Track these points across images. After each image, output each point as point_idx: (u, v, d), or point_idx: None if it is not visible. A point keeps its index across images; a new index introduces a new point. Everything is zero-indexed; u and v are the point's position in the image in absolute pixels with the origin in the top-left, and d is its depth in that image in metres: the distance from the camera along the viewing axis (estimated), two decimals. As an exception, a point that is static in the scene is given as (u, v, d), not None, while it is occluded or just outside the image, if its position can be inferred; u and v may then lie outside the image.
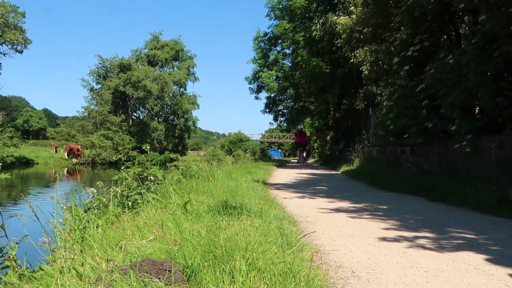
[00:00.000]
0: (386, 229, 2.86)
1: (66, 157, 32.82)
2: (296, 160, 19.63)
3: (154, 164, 4.71)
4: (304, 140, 16.22)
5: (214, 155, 14.08)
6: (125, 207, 3.09)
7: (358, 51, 10.97)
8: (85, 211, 2.87)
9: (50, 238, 2.25)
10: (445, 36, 7.14)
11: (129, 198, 3.37)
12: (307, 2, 16.52)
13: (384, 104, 9.37)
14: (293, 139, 23.99)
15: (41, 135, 67.35)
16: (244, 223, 2.30)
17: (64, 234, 2.28)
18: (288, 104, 28.31)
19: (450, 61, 5.35)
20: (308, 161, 20.29)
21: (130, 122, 43.37)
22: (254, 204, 3.10)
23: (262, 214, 2.75)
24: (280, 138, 55.03)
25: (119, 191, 3.30)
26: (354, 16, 9.23)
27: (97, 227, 2.48)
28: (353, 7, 9.48)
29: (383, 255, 2.10)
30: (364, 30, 8.88)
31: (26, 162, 28.81)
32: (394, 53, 7.42)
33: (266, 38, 26.92)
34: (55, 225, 2.37)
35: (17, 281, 1.78)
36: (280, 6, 22.33)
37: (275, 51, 27.44)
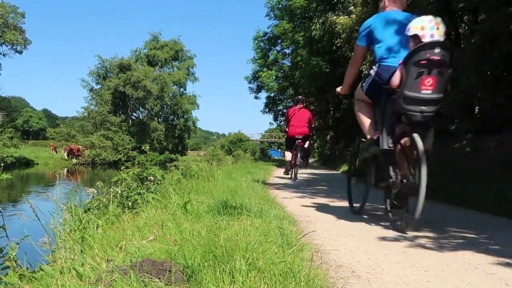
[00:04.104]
0: (386, 228, 2.86)
1: (66, 157, 32.84)
2: None
3: (154, 164, 4.72)
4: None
5: (214, 155, 14.10)
6: (125, 208, 3.10)
7: (358, 51, 10.95)
8: (85, 212, 2.87)
9: (50, 239, 2.25)
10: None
11: (129, 199, 3.37)
12: (306, 2, 16.53)
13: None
14: None
15: (41, 136, 67.42)
16: (244, 223, 2.30)
17: (64, 235, 2.29)
18: (288, 104, 28.34)
19: (450, 61, 5.35)
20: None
21: (130, 122, 43.40)
22: (254, 204, 3.10)
23: (262, 214, 2.75)
24: (280, 138, 55.00)
25: (119, 192, 3.30)
26: (353, 16, 9.24)
27: (97, 227, 2.49)
28: (352, 7, 9.49)
29: (383, 255, 2.10)
30: (363, 30, 8.87)
31: (26, 163, 28.85)
32: (393, 53, 7.41)
33: (265, 38, 27.00)
34: (55, 225, 2.37)
35: (18, 281, 1.78)
36: (280, 6, 22.36)
37: (275, 51, 27.51)
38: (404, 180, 2.70)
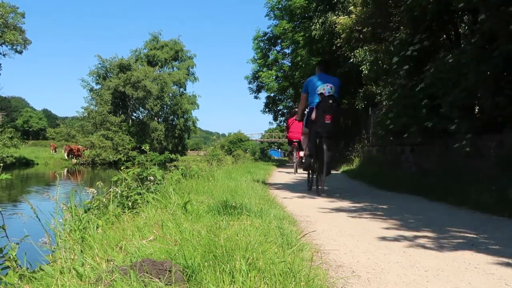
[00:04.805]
0: (386, 228, 2.86)
1: (66, 157, 32.84)
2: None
3: (154, 164, 4.72)
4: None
5: (214, 155, 14.11)
6: (125, 207, 3.10)
7: (357, 50, 10.96)
8: (85, 212, 2.87)
9: (50, 239, 2.25)
10: (444, 36, 7.14)
11: (129, 199, 3.37)
12: (306, 2, 16.48)
13: (384, 103, 9.36)
14: None
15: (41, 136, 67.44)
16: (244, 223, 2.30)
17: (64, 234, 2.29)
18: (288, 104, 28.30)
19: (450, 61, 5.35)
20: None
21: (130, 122, 43.40)
22: (254, 204, 3.10)
23: (262, 214, 2.75)
24: (280, 138, 54.97)
25: (119, 192, 3.30)
26: (353, 15, 9.22)
27: (97, 227, 2.49)
28: (352, 7, 9.48)
29: (383, 255, 2.10)
30: (363, 30, 8.87)
31: (26, 163, 28.85)
32: (393, 53, 7.42)
33: (265, 38, 26.94)
34: (55, 225, 2.37)
35: (18, 281, 1.78)
36: (280, 6, 22.30)
37: (275, 51, 27.44)
38: (320, 167, 4.96)
